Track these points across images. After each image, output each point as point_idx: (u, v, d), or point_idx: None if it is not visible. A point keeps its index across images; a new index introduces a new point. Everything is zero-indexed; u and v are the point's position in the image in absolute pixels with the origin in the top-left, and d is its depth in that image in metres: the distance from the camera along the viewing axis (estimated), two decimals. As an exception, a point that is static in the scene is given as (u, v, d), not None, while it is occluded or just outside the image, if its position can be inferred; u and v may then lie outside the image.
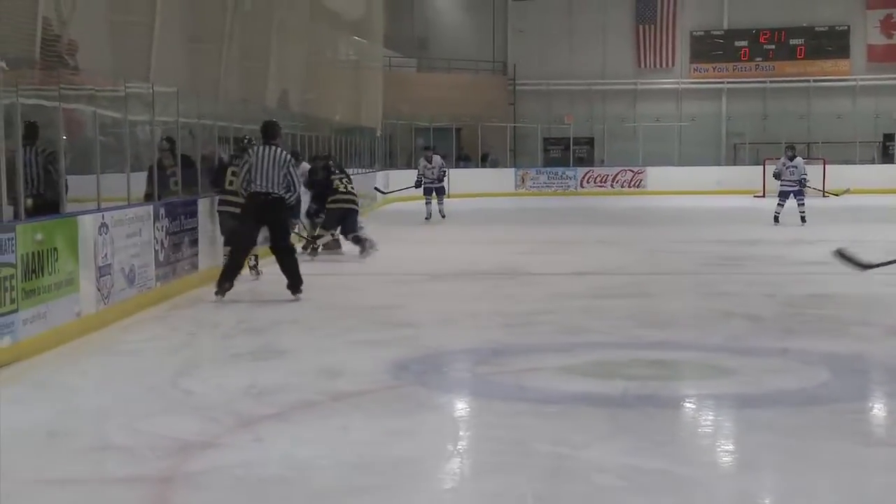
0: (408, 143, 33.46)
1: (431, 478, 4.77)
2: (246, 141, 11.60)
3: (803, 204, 18.83)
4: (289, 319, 8.88)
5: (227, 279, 9.72)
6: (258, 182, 9.70)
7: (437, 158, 21.38)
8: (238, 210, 10.78)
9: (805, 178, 18.98)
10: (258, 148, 9.90)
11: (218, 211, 11.24)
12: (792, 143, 20.49)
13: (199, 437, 5.24)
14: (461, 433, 5.61)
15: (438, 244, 16.61)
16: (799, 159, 19.16)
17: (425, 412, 5.85)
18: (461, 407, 6.24)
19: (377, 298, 10.29)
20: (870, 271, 9.37)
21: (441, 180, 21.16)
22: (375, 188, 23.16)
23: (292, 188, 9.83)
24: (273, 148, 9.81)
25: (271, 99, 17.75)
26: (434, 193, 21.09)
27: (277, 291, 9.82)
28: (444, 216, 20.86)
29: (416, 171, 21.49)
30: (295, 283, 9.79)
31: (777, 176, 19.01)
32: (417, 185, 21.19)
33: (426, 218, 20.59)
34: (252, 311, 9.28)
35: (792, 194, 18.75)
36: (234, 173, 10.93)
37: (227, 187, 11.00)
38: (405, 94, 32.60)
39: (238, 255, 9.92)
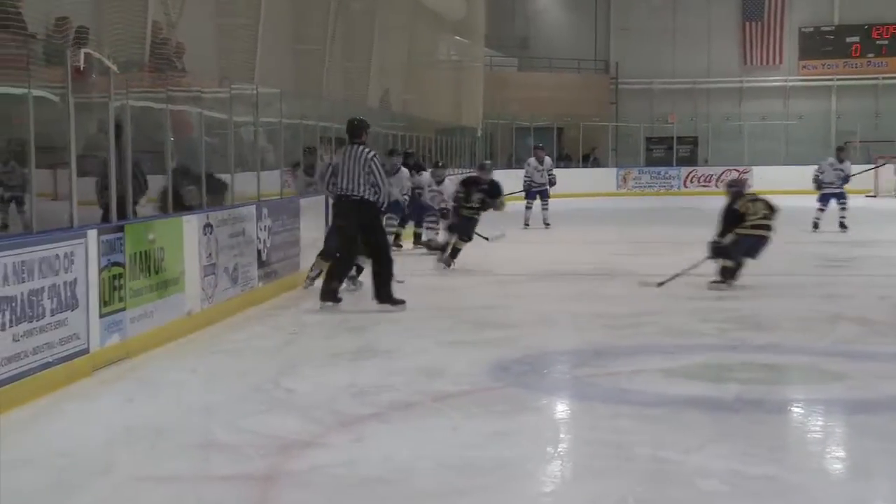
0: (508, 143, 33.43)
1: (532, 480, 4.74)
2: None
3: (845, 208, 17.45)
4: (388, 320, 8.92)
5: (327, 285, 9.36)
6: (342, 184, 9.26)
7: (548, 159, 19.73)
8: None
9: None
10: (345, 148, 9.47)
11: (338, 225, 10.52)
12: (844, 143, 18.81)
13: (301, 436, 5.30)
14: (562, 435, 5.58)
15: (538, 244, 16.54)
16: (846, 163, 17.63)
17: (526, 414, 5.83)
18: (562, 409, 6.21)
19: (476, 299, 10.28)
20: None
21: (553, 184, 19.28)
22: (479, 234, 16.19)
23: (378, 189, 9.26)
24: (356, 147, 9.31)
25: (373, 99, 17.89)
26: (538, 197, 19.03)
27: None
28: (548, 224, 18.69)
29: (524, 172, 19.59)
30: (380, 296, 9.23)
31: (817, 180, 17.57)
32: (527, 190, 19.25)
33: (525, 225, 18.75)
34: (353, 312, 9.34)
35: (834, 197, 17.42)
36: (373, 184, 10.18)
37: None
38: (506, 93, 32.57)
39: (339, 263, 9.52)
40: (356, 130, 9.48)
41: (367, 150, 9.37)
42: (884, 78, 35.97)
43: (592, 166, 34.20)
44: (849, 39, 36.44)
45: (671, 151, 34.98)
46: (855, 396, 6.13)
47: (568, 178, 30.10)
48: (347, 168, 9.26)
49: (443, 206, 13.80)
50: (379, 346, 7.91)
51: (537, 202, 19.17)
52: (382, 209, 9.52)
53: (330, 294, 9.39)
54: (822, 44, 36.66)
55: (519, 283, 11.60)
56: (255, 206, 9.83)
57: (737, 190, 10.86)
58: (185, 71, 9.91)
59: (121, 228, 7.11)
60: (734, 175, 10.98)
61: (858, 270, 12.03)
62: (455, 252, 12.58)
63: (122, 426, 5.55)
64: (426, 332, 8.32)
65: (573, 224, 20.82)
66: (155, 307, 7.51)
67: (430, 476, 4.69)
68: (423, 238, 14.81)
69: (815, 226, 17.33)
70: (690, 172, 33.06)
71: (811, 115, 35.98)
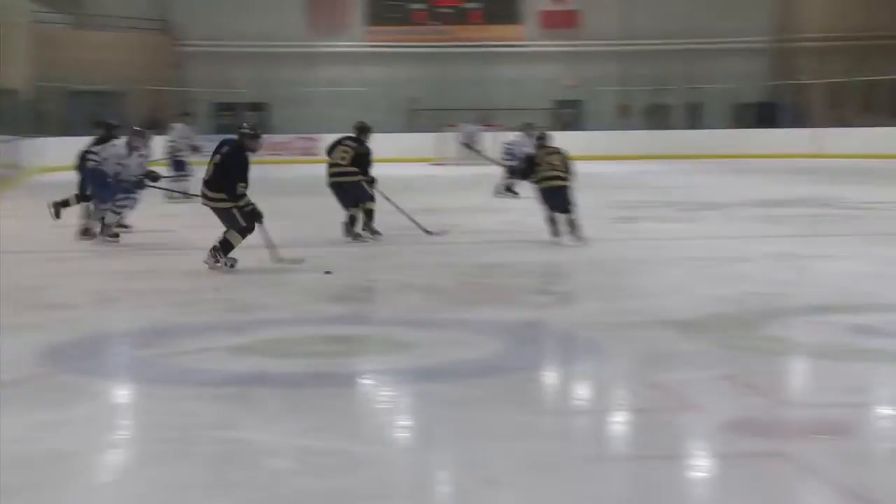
0: (63, 109, 32.02)
1: (89, 472, 4.61)
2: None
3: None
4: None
5: None
6: None
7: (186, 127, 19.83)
8: (349, 180, 12.61)
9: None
10: None
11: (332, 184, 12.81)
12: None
13: None
14: (122, 422, 5.45)
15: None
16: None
17: (81, 402, 5.64)
18: (122, 394, 6.06)
19: (24, 278, 9.77)
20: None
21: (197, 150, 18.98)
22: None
23: None
24: None
25: None
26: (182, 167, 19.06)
27: None
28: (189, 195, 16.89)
29: (169, 138, 19.40)
30: None
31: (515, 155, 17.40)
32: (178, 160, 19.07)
33: (183, 195, 16.95)
34: None
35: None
36: (345, 151, 12.97)
37: (339, 161, 12.85)
38: (58, 54, 31.17)
39: None
40: None
41: None
42: (448, 46, 38.01)
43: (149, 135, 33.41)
44: (413, 6, 38.21)
45: (240, 119, 35.05)
46: (422, 364, 6.44)
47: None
48: None
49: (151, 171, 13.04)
50: None
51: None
52: None
53: None
54: (388, 10, 38.15)
55: (75, 260, 11.17)
56: None
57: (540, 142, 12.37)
58: None
59: None
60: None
61: (425, 239, 12.65)
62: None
63: None
64: (-34, 318, 7.79)
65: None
66: None
67: (-30, 477, 4.40)
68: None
69: (517, 192, 17.47)
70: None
71: (380, 82, 37.34)
